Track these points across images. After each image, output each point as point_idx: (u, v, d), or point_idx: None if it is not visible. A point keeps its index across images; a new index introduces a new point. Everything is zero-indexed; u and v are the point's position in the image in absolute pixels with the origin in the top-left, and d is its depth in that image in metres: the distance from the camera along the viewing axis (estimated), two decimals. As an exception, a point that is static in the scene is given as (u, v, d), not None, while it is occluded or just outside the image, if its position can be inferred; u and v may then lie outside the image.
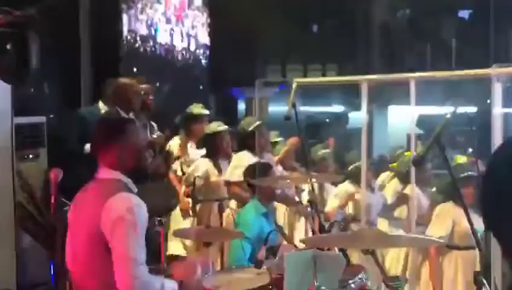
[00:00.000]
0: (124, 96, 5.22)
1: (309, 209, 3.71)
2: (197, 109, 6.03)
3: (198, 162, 5.42)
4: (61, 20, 6.28)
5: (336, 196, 5.46)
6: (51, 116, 5.88)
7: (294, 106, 3.80)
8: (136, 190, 2.97)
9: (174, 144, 5.98)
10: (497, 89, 3.72)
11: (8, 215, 5.00)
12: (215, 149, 5.44)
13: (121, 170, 2.95)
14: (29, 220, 5.17)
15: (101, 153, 2.98)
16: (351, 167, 5.56)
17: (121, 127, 3.02)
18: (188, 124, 5.92)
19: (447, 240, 4.49)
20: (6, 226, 4.97)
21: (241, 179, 4.83)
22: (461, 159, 6.00)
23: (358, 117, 9.03)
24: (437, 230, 4.53)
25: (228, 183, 5.13)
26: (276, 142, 6.08)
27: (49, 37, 6.14)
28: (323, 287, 2.36)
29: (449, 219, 4.56)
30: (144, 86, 5.61)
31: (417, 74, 4.49)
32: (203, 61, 8.98)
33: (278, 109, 9.15)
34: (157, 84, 7.44)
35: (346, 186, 5.53)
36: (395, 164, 5.97)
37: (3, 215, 4.93)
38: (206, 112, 6.07)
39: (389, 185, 6.04)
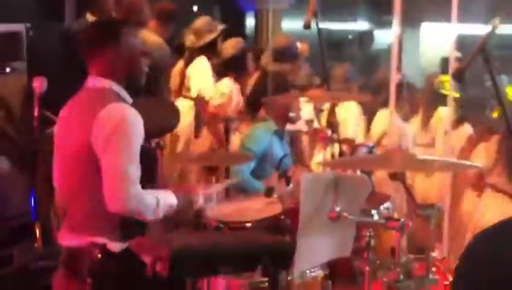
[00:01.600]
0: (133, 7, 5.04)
1: (329, 132, 3.71)
2: (206, 21, 5.88)
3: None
4: None
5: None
6: (29, 25, 5.80)
7: (315, 13, 3.73)
8: (131, 101, 2.98)
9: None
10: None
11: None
12: (243, 69, 5.44)
13: (113, 78, 2.96)
14: (7, 142, 5.20)
15: (91, 58, 2.99)
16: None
17: (115, 29, 3.02)
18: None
19: None
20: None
21: None
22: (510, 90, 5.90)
23: (384, 37, 8.91)
24: None
25: None
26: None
27: None
28: (345, 214, 2.38)
29: None
30: None
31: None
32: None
33: (292, 26, 9.01)
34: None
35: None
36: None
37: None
38: (221, 25, 5.94)
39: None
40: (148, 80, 3.13)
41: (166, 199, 2.92)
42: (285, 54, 5.21)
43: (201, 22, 5.84)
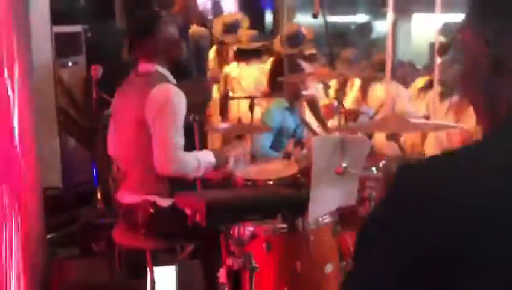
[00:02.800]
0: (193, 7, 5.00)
1: (335, 104, 3.72)
2: (235, 16, 5.82)
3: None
4: None
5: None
6: (86, 26, 5.84)
7: (321, 4, 3.72)
8: (174, 81, 3.03)
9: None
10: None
11: (51, 120, 5.11)
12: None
13: (158, 62, 3.01)
14: (72, 124, 5.28)
15: (138, 46, 3.03)
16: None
17: (156, 20, 3.05)
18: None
19: None
20: (50, 129, 5.09)
21: None
22: None
23: (381, 27, 8.85)
24: None
25: None
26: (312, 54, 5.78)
27: None
28: (349, 169, 2.40)
29: None
30: None
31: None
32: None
33: (304, 20, 8.96)
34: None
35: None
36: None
37: (48, 120, 5.03)
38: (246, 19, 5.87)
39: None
40: (197, 58, 3.09)
41: (205, 158, 2.98)
42: (295, 39, 5.21)
43: (230, 16, 5.82)
